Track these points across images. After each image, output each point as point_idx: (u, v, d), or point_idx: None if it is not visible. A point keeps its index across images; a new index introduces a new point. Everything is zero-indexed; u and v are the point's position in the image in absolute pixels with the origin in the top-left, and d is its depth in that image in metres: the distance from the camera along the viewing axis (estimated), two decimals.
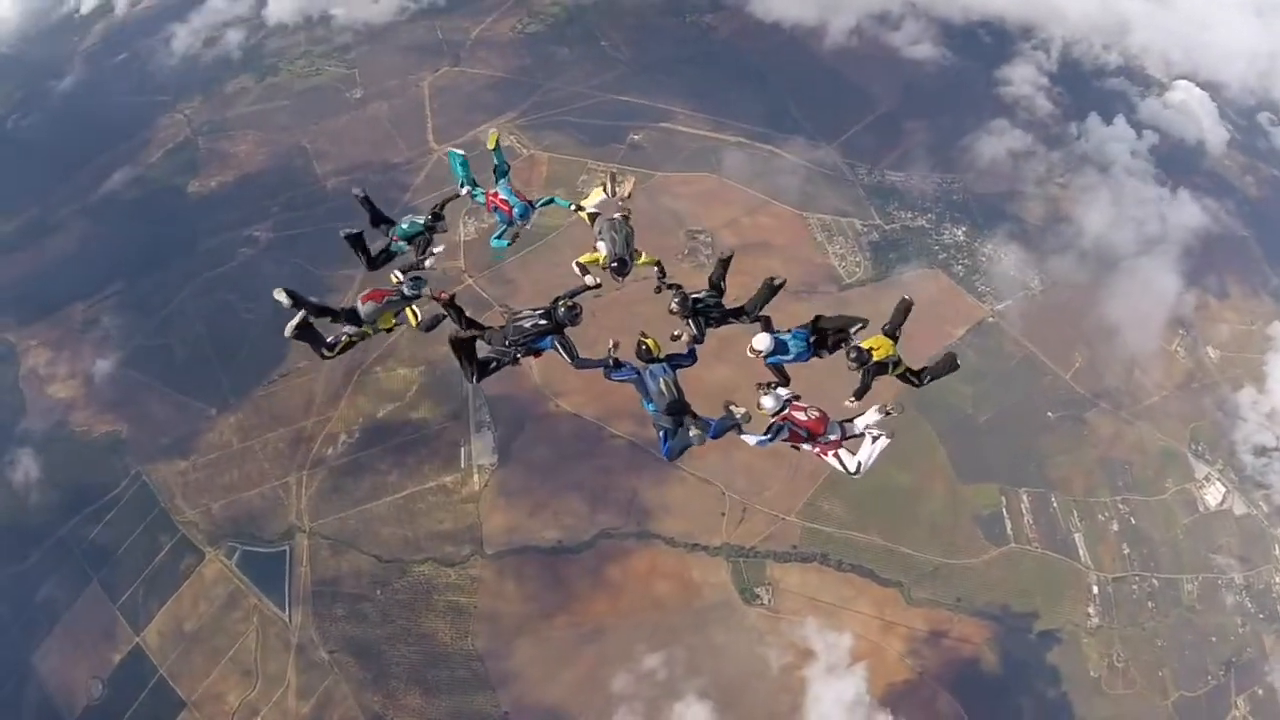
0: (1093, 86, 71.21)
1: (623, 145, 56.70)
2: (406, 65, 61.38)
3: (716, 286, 12.36)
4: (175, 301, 53.54)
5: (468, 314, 11.40)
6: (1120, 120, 68.54)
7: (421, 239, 12.71)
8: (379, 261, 12.71)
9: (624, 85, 60.29)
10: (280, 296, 11.28)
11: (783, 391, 11.63)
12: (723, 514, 45.55)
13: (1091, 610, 48.66)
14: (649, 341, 11.27)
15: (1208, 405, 57.27)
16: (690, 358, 11.80)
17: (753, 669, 43.58)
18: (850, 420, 11.88)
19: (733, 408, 11.16)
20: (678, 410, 11.03)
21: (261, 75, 64.54)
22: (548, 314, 11.21)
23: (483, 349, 11.28)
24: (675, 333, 11.97)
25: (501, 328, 11.25)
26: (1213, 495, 54.05)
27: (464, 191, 13.27)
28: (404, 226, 12.72)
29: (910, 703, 44.30)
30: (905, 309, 12.38)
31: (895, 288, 52.54)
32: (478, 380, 11.33)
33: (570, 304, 11.19)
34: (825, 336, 11.94)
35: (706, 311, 12.05)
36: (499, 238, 13.02)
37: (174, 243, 55.69)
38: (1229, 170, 69.75)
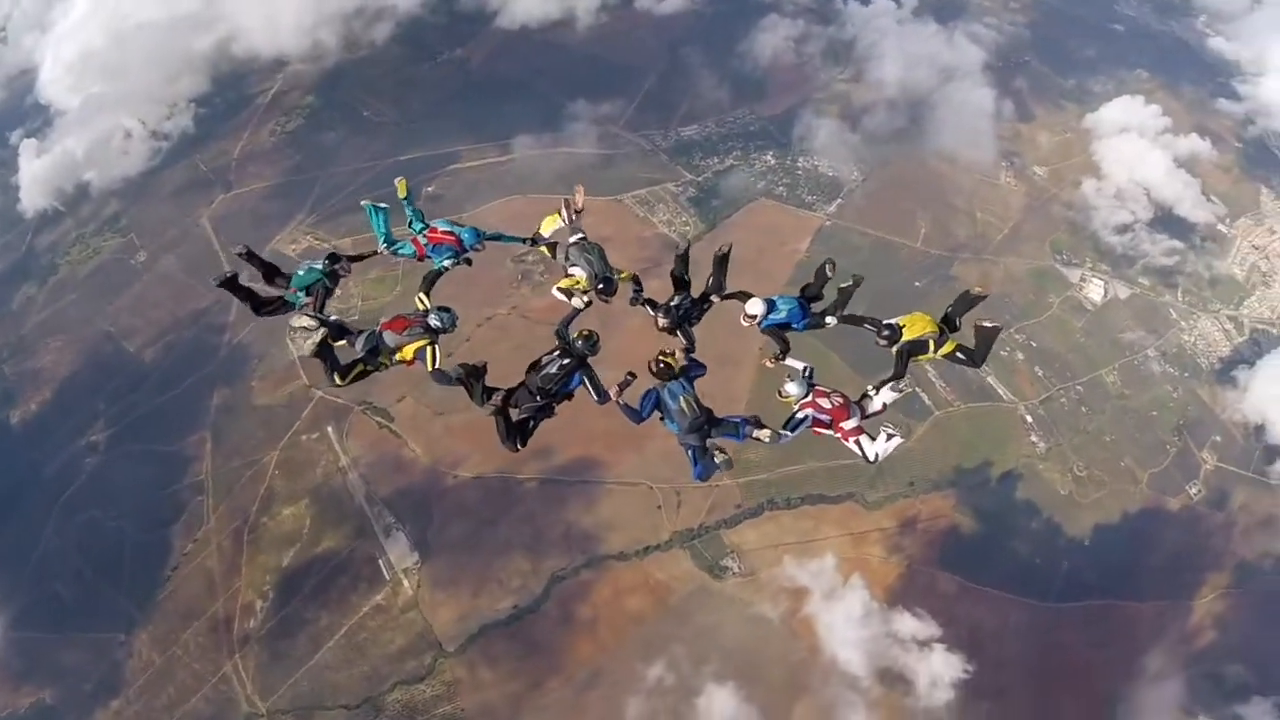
0: None
1: (419, 202, 56.71)
2: (180, 209, 60.58)
3: (681, 280, 12.59)
4: (41, 543, 50.97)
5: (485, 384, 11.11)
6: None
7: (320, 286, 11.90)
8: (269, 308, 11.93)
9: (401, 145, 61.36)
10: (302, 321, 11.03)
11: (796, 364, 11.89)
12: (659, 507, 46.58)
13: (1035, 438, 52.05)
14: (669, 359, 11.28)
15: (1056, 215, 62.65)
16: (702, 367, 11.78)
17: (756, 632, 44.71)
18: (867, 398, 11.90)
19: (716, 453, 11.21)
20: (701, 427, 11.08)
21: (43, 279, 62.23)
22: (566, 351, 11.22)
23: (514, 412, 11.09)
24: (671, 353, 11.71)
25: (523, 385, 11.12)
26: (1094, 291, 58.76)
27: (382, 248, 12.85)
28: (300, 274, 11.93)
29: (913, 594, 46.39)
30: (970, 301, 12.10)
31: (728, 231, 55.28)
32: (522, 446, 11.03)
33: (588, 333, 11.28)
34: (816, 293, 12.44)
35: (687, 316, 12.28)
36: (443, 261, 12.54)
37: (17, 483, 52.93)
38: (993, 5, 76.48)
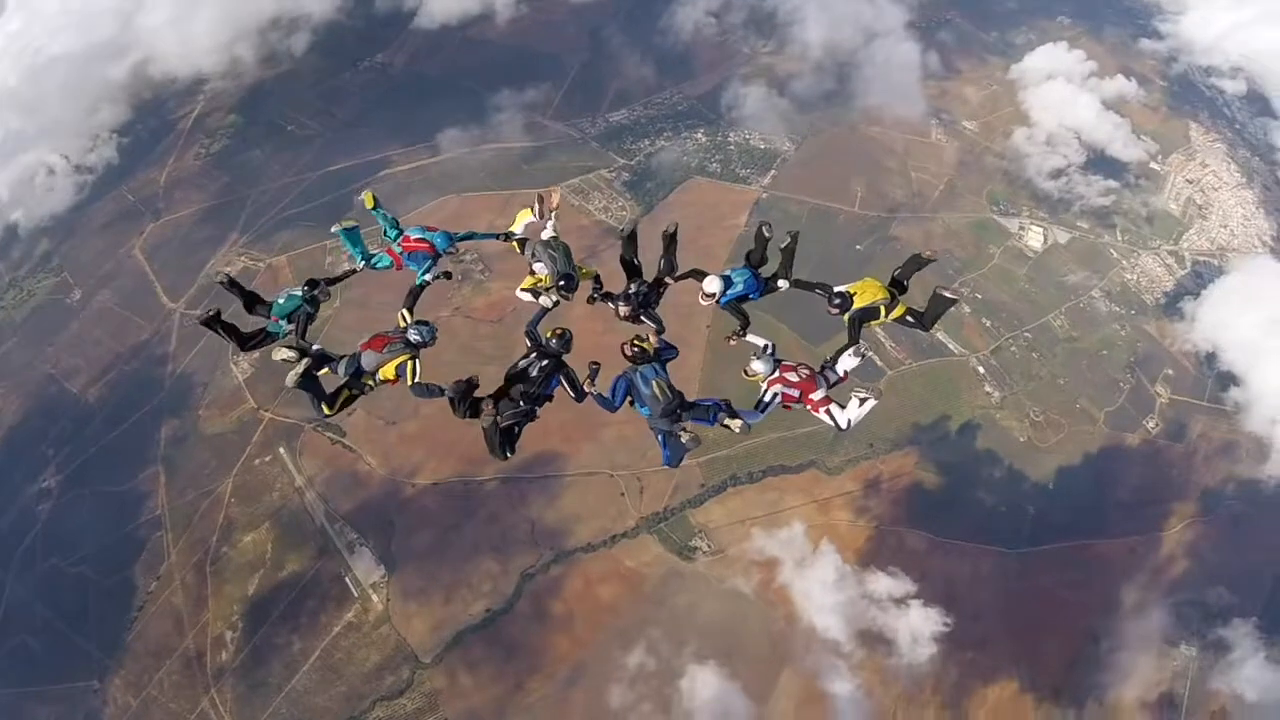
0: None
1: (352, 211, 56.00)
2: (112, 242, 59.19)
3: (631, 264, 12.74)
4: (3, 597, 49.64)
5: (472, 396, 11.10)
6: None
7: (302, 313, 12.14)
8: (254, 342, 12.11)
9: (329, 155, 60.38)
10: (284, 354, 11.14)
11: (757, 340, 12.10)
12: (622, 494, 46.39)
13: (989, 388, 52.54)
14: (643, 344, 11.41)
15: (989, 167, 63.19)
16: (673, 349, 11.99)
17: (732, 608, 44.68)
18: (830, 368, 12.11)
19: (682, 434, 11.26)
20: (674, 410, 11.13)
21: None
22: (542, 354, 11.27)
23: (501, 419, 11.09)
24: (645, 337, 12.02)
25: (503, 392, 11.14)
26: (1034, 239, 59.40)
27: (361, 266, 13.03)
28: (280, 302, 12.17)
29: (885, 555, 46.62)
30: (918, 263, 12.30)
31: (665, 212, 55.38)
32: (511, 454, 11.18)
33: (560, 331, 11.39)
34: (761, 257, 12.77)
35: (646, 301, 12.39)
36: (423, 275, 12.76)
37: None
38: None
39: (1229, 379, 55.00)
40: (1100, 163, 63.75)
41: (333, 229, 12.96)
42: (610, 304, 12.36)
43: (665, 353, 11.76)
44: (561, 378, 11.23)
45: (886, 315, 12.10)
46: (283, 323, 12.01)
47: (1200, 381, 55.14)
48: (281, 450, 47.83)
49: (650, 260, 12.92)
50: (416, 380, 11.16)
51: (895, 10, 69.64)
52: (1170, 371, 55.26)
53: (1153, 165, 64.59)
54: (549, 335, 11.40)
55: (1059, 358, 54.46)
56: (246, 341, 11.98)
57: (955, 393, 51.76)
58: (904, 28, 69.12)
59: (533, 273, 12.47)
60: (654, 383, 11.12)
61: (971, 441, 50.63)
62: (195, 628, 45.38)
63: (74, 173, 63.27)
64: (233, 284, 12.20)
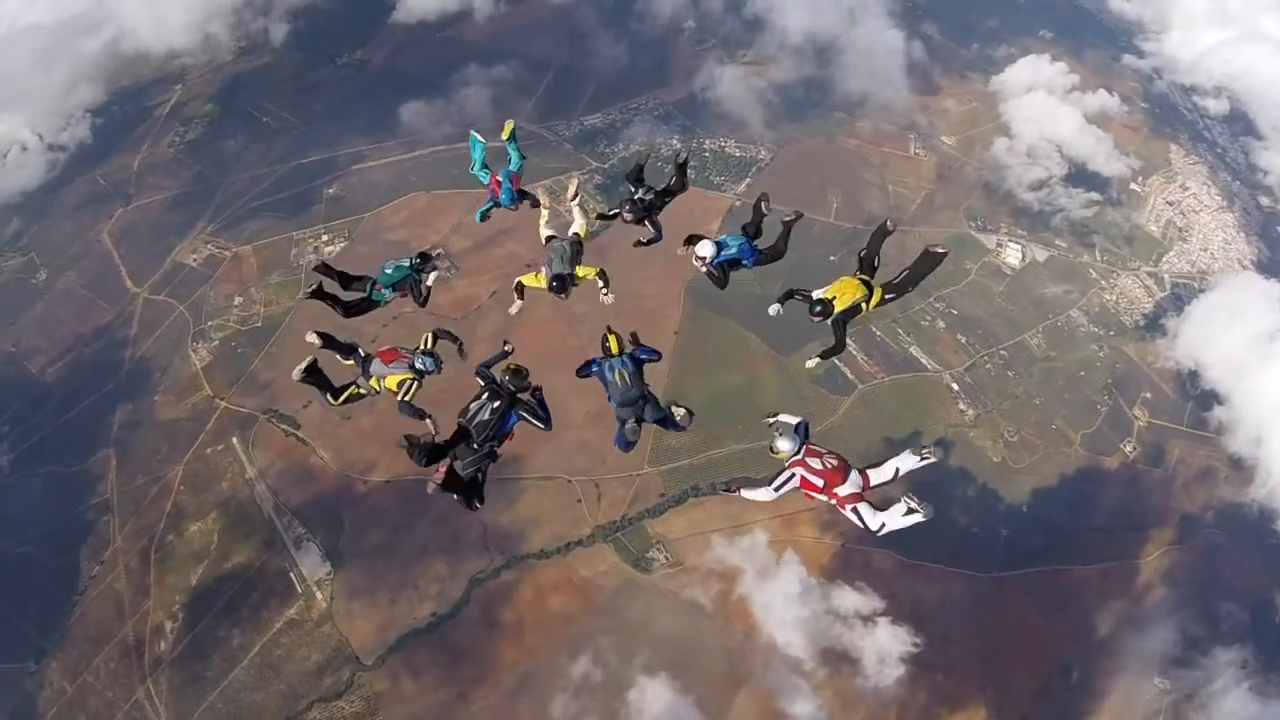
0: None
1: (321, 204, 55.49)
2: (81, 225, 57.59)
3: (639, 177, 13.47)
4: None
5: (431, 445, 10.82)
6: None
7: (411, 281, 12.32)
8: (356, 310, 12.25)
9: (301, 148, 59.13)
10: (312, 338, 11.38)
11: (790, 419, 11.55)
12: (579, 500, 44.43)
13: (963, 406, 50.61)
14: (612, 339, 11.55)
15: (968, 181, 61.74)
16: (655, 354, 12.09)
17: (688, 622, 42.51)
18: (875, 466, 10.82)
19: (674, 408, 11.62)
20: (632, 401, 11.26)
21: None
22: (495, 393, 11.01)
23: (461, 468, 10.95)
24: (641, 240, 13.08)
25: (460, 435, 10.92)
26: (1012, 255, 57.69)
27: (474, 170, 13.62)
28: (388, 272, 12.23)
29: (849, 573, 44.27)
30: (882, 235, 12.14)
31: None
32: (481, 503, 11.33)
33: (515, 368, 11.19)
34: (756, 230, 12.75)
35: (650, 207, 13.07)
36: (482, 213, 13.66)
37: None
38: None
39: (1211, 398, 53.10)
40: (1082, 176, 62.19)
41: (472, 131, 13.74)
42: (624, 207, 12.90)
43: (641, 352, 11.86)
44: (521, 415, 11.04)
45: (869, 307, 11.94)
46: (386, 292, 12.20)
47: (1179, 406, 53.26)
48: (234, 440, 45.97)
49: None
50: (406, 399, 11.40)
51: (877, 21, 68.41)
52: (1149, 395, 53.37)
53: (1133, 186, 63.02)
54: (503, 372, 11.15)
55: (1035, 377, 52.55)
56: (350, 309, 12.12)
57: (928, 409, 49.85)
58: (885, 39, 67.78)
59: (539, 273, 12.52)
60: (617, 372, 11.27)
61: (944, 460, 48.40)
62: (136, 615, 43.43)
63: (47, 151, 61.60)
64: (327, 269, 12.16)
